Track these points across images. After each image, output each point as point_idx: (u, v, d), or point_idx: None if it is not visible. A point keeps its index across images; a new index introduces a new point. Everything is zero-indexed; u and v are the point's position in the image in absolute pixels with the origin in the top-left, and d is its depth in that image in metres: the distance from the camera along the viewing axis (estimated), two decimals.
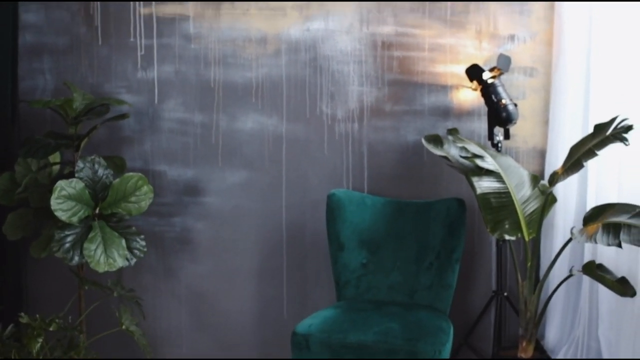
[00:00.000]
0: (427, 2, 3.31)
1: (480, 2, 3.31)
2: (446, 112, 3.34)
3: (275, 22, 3.28)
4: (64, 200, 2.54)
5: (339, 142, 3.35)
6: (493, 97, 3.09)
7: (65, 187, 2.54)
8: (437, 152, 2.94)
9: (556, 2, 3.31)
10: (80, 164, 2.61)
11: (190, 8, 3.27)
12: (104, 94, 3.24)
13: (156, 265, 3.30)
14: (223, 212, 3.37)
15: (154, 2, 3.27)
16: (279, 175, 3.35)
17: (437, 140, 3.04)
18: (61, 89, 3.25)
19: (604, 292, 2.82)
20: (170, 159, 3.34)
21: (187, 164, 3.36)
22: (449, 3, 3.30)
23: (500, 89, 3.12)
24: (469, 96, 3.33)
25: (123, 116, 2.87)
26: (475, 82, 3.16)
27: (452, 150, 3.00)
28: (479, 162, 2.69)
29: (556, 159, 3.29)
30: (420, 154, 3.34)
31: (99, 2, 3.25)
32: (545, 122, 3.35)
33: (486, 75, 3.11)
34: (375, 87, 3.31)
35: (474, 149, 2.76)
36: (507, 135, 3.19)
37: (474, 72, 3.14)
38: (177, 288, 3.42)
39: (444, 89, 3.32)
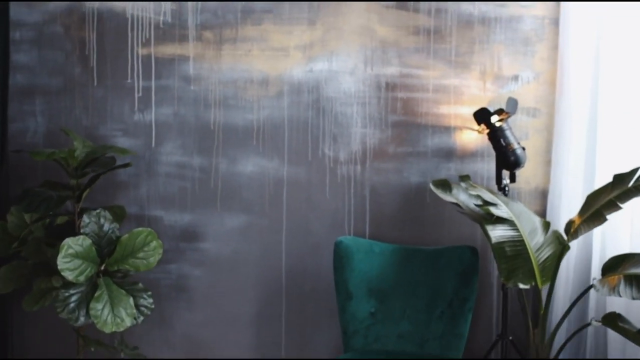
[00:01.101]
0: (432, 44, 3.51)
1: (485, 43, 3.54)
2: (449, 153, 3.56)
3: (278, 63, 3.48)
4: (71, 259, 2.70)
5: (340, 184, 3.56)
6: (502, 141, 3.33)
7: (72, 245, 2.70)
8: (447, 198, 3.17)
9: (560, 42, 3.56)
10: (85, 219, 2.78)
11: (190, 49, 3.46)
12: (99, 137, 3.40)
13: (151, 314, 3.43)
14: (221, 258, 3.55)
15: (152, 43, 3.44)
16: (279, 219, 3.55)
17: (445, 185, 3.27)
18: (54, 132, 3.40)
19: (614, 340, 3.08)
20: (167, 204, 3.51)
21: (184, 209, 3.54)
22: (453, 43, 3.53)
23: (508, 133, 3.37)
24: (472, 137, 3.57)
25: (125, 165, 3.04)
26: (482, 125, 3.39)
27: (461, 196, 3.24)
28: (493, 210, 2.94)
29: (559, 200, 3.53)
30: (423, 197, 3.56)
31: (95, 42, 3.40)
32: (548, 163, 3.59)
33: (494, 119, 3.36)
34: (378, 128, 3.53)
35: (487, 196, 3.00)
36: (513, 179, 3.43)
37: (482, 116, 3.38)
38: (172, 337, 3.59)
39: (448, 130, 3.55)
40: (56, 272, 2.80)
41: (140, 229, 2.79)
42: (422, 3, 3.49)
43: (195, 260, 3.48)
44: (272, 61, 3.46)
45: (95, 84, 3.41)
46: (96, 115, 3.41)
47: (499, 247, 2.93)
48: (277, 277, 3.53)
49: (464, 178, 3.20)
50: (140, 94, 3.42)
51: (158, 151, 3.41)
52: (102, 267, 2.79)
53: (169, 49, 3.43)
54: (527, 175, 3.56)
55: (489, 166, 3.54)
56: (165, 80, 3.43)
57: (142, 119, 3.43)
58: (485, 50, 3.53)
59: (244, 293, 3.52)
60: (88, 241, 2.68)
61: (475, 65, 3.52)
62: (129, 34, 3.39)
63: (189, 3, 3.40)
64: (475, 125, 3.45)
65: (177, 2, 3.42)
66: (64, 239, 3.05)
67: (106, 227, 2.80)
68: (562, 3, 3.52)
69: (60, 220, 3.13)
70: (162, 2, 3.42)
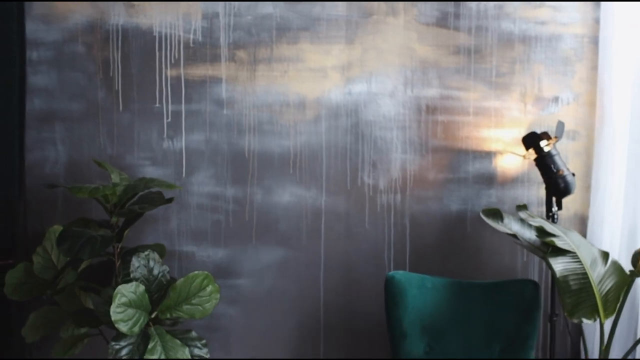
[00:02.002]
0: (472, 64, 3.61)
1: (525, 63, 3.66)
2: (490, 179, 3.69)
3: (315, 84, 3.52)
4: (125, 308, 2.69)
5: (380, 214, 3.63)
6: (552, 167, 3.45)
7: (125, 293, 2.69)
8: (500, 228, 3.26)
9: (600, 62, 3.71)
10: (135, 262, 2.77)
11: (222, 69, 3.46)
12: (126, 167, 3.37)
13: None
14: (256, 295, 3.57)
15: (182, 63, 3.42)
16: (317, 252, 3.59)
17: (497, 215, 3.39)
18: (76, 163, 3.35)
19: None
20: (200, 238, 3.51)
21: (217, 244, 3.54)
22: (494, 63, 3.64)
23: (557, 158, 3.49)
24: (512, 163, 3.69)
25: (168, 201, 3.02)
26: (530, 150, 3.51)
27: (514, 226, 3.36)
28: (556, 241, 3.07)
29: (600, 227, 3.69)
30: (463, 226, 3.67)
31: (119, 62, 3.36)
32: (587, 188, 3.76)
33: (544, 144, 3.48)
34: (419, 154, 3.61)
35: (549, 227, 3.13)
36: (560, 206, 3.56)
37: (531, 140, 3.50)
38: None
39: (488, 155, 3.66)
40: (95, 321, 2.78)
41: (196, 272, 2.79)
42: (462, 21, 3.56)
43: (229, 298, 3.49)
44: (309, 83, 3.49)
45: (121, 108, 3.37)
46: (122, 143, 3.37)
47: (564, 281, 3.06)
48: (315, 315, 3.59)
49: (521, 207, 3.33)
50: (170, 119, 3.39)
51: (189, 181, 3.41)
52: (153, 315, 2.77)
53: (200, 70, 3.42)
54: (565, 201, 3.70)
55: (529, 192, 3.68)
56: (196, 104, 3.41)
57: (171, 146, 3.41)
58: (525, 71, 3.66)
59: (281, 333, 3.57)
60: (141, 288, 2.68)
61: (515, 87, 3.65)
62: (157, 54, 3.36)
63: (221, 20, 3.39)
64: (518, 150, 3.61)
65: (208, 20, 3.40)
66: (100, 282, 3.03)
67: (156, 270, 2.79)
68: (601, 21, 3.67)
69: (91, 261, 3.09)
70: (193, 20, 3.38)
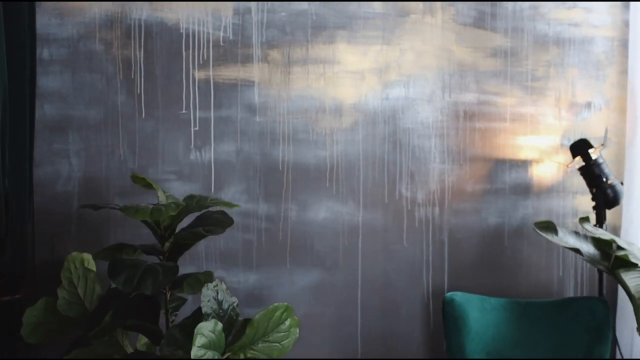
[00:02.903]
0: (508, 67, 3.74)
1: (560, 66, 3.83)
2: (527, 189, 4.04)
3: (352, 89, 3.67)
4: (205, 351, 2.70)
5: (419, 230, 3.73)
6: (601, 175, 3.61)
7: (205, 333, 2.66)
8: (558, 241, 3.47)
9: (630, 66, 4.04)
10: (206, 294, 2.71)
11: (255, 71, 3.48)
12: None
13: None
14: None
15: (211, 64, 3.35)
16: (354, 273, 3.67)
17: (550, 228, 3.58)
18: (92, 178, 3.32)
19: None
20: (230, 261, 3.52)
21: (249, 267, 3.53)
22: (529, 67, 3.80)
23: (604, 166, 3.71)
24: (548, 172, 3.89)
25: (229, 223, 2.94)
26: (578, 159, 3.65)
27: (569, 239, 3.53)
28: (631, 257, 3.21)
29: (635, 238, 3.91)
30: (501, 240, 3.89)
31: (142, 63, 3.28)
32: None
33: (591, 151, 3.63)
34: (457, 164, 3.77)
35: (620, 241, 3.27)
36: (604, 217, 3.74)
37: (580, 148, 3.68)
38: None
39: (524, 164, 3.93)
40: None
41: (276, 304, 2.80)
42: (499, 21, 3.71)
43: None
44: (346, 87, 3.58)
45: (143, 115, 3.37)
46: (144, 154, 3.37)
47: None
48: (353, 342, 3.65)
49: (584, 220, 3.48)
50: (197, 128, 3.38)
51: (219, 197, 3.33)
52: (225, 357, 2.71)
53: (231, 72, 3.43)
54: (585, 210, 4.03)
55: (564, 203, 3.98)
56: (226, 110, 3.41)
57: (199, 158, 3.37)
58: (560, 75, 3.95)
59: None
60: (220, 326, 2.67)
61: (550, 91, 3.92)
62: (183, 53, 3.34)
63: (253, 17, 3.37)
64: (556, 158, 3.97)
65: (239, 16, 3.38)
66: (142, 318, 2.93)
67: (226, 303, 2.77)
68: (631, 23, 4.13)
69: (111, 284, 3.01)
70: (223, 16, 3.34)
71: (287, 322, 2.96)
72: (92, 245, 3.39)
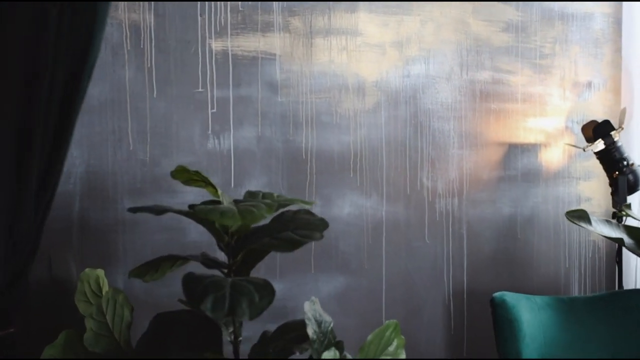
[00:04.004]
0: (519, 43, 3.55)
1: (564, 43, 3.67)
2: (536, 176, 3.91)
3: (374, 64, 3.38)
4: None
5: (439, 224, 3.47)
6: (623, 159, 3.48)
7: None
8: (593, 231, 3.36)
9: (623, 44, 3.98)
10: (308, 309, 2.27)
11: (276, 42, 3.01)
12: (160, 178, 2.72)
13: None
14: None
15: (229, 32, 2.86)
16: (378, 276, 3.37)
17: (583, 217, 3.39)
18: (96, 173, 2.70)
19: None
20: (252, 270, 2.95)
21: (272, 275, 3.11)
22: (538, 43, 3.63)
23: (623, 149, 3.54)
24: (554, 156, 3.72)
25: (324, 226, 2.47)
26: (599, 142, 3.51)
27: (603, 228, 3.36)
28: None
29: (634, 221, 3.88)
30: (514, 232, 3.72)
31: (152, 29, 2.75)
32: None
33: (614, 133, 3.50)
34: (474, 149, 3.57)
35: None
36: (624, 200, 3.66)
37: (604, 130, 3.52)
38: None
39: (534, 148, 3.76)
40: None
41: (387, 322, 2.36)
42: None
43: None
44: (368, 62, 3.25)
45: (155, 94, 2.77)
46: (157, 142, 2.83)
47: None
48: None
49: (626, 207, 3.30)
50: (215, 110, 2.89)
51: (239, 194, 2.89)
52: None
53: (250, 43, 2.98)
54: (598, 198, 3.84)
55: (569, 190, 3.84)
56: (246, 89, 2.93)
57: (217, 146, 2.88)
58: (564, 52, 3.81)
59: None
60: (337, 354, 2.22)
61: (556, 70, 3.77)
62: (199, 19, 2.82)
63: None
64: (561, 140, 3.83)
65: None
66: (201, 349, 2.47)
67: (325, 324, 2.31)
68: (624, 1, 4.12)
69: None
70: None
71: (395, 342, 2.51)
72: (99, 259, 2.78)
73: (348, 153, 3.34)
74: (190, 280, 2.31)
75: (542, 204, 3.83)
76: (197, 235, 2.98)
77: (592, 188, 3.96)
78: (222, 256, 2.62)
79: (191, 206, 2.51)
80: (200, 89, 3.00)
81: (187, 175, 2.57)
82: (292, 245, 2.36)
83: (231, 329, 2.61)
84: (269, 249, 2.37)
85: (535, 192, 3.82)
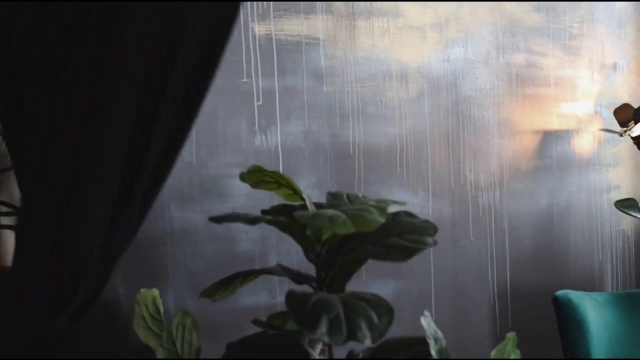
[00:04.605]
0: (550, 23, 3.40)
1: (590, 22, 3.55)
2: (570, 164, 3.85)
3: (415, 48, 3.17)
4: None
5: (483, 220, 3.28)
6: None
7: None
8: None
9: None
10: (428, 328, 2.04)
11: (319, 26, 2.73)
12: (209, 179, 2.45)
13: None
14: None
15: (272, 15, 2.59)
16: (427, 279, 3.17)
17: (632, 206, 3.25)
18: None
19: None
20: (303, 277, 2.69)
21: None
22: (567, 22, 3.50)
23: None
24: (585, 142, 3.59)
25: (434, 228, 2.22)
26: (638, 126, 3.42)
27: None
28: None
29: None
30: (551, 225, 3.59)
31: None
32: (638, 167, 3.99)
33: None
34: (511, 137, 3.40)
35: None
36: None
37: None
38: None
39: (567, 134, 3.60)
40: None
41: (508, 335, 2.11)
42: None
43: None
44: (410, 47, 3.04)
45: None
46: (203, 141, 2.47)
47: None
48: None
49: None
50: (261, 102, 2.59)
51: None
52: None
53: (294, 26, 2.71)
54: (626, 185, 3.72)
55: (599, 177, 3.73)
56: (291, 78, 2.67)
57: (264, 143, 2.60)
58: (591, 32, 3.69)
59: None
60: None
61: (584, 51, 3.63)
62: None
63: None
64: (591, 125, 3.69)
65: None
66: None
67: (440, 341, 2.07)
68: None
69: None
70: None
71: (512, 357, 2.26)
72: (146, 275, 2.44)
73: (394, 147, 3.11)
74: (294, 299, 2.01)
75: (576, 193, 3.68)
76: (249, 244, 2.70)
77: (620, 175, 3.83)
78: (295, 265, 2.35)
79: (265, 211, 2.23)
80: (245, 79, 2.69)
81: (258, 176, 2.28)
82: (404, 253, 2.07)
83: (317, 351, 2.33)
84: (376, 258, 2.09)
85: (569, 181, 3.67)
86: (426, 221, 2.21)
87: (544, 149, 3.59)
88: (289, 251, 2.81)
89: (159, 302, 2.37)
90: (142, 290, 2.29)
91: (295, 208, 2.37)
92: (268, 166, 2.70)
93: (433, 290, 3.23)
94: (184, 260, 2.53)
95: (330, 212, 2.02)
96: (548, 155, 3.59)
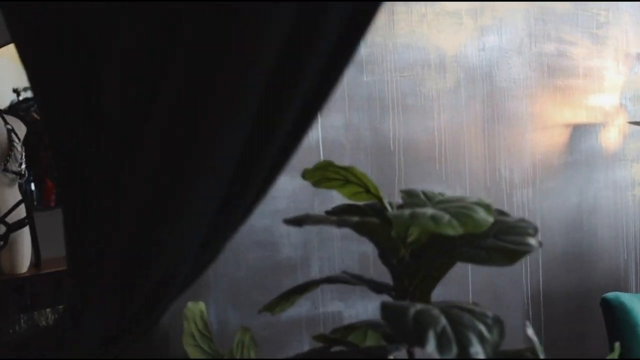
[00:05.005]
0: (578, 10, 3.27)
1: (615, 10, 3.45)
2: (597, 159, 3.75)
3: (452, 36, 2.95)
4: None
5: None
6: None
7: None
8: None
9: None
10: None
11: None
12: None
13: None
14: None
15: None
16: (465, 283, 2.96)
17: None
18: None
19: None
20: (347, 287, 2.51)
21: (366, 291, 2.56)
22: (594, 10, 3.33)
23: None
24: (611, 136, 3.47)
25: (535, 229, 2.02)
26: None
27: None
28: None
29: None
30: (580, 222, 3.45)
31: None
32: None
33: None
34: (543, 131, 3.26)
35: None
36: None
37: None
38: None
39: (594, 128, 3.49)
40: None
41: (616, 345, 1.93)
42: None
43: None
44: (447, 33, 2.91)
45: None
46: None
47: None
48: None
49: None
50: None
51: (328, 196, 2.43)
52: None
53: None
54: (638, 178, 3.56)
55: (624, 173, 3.64)
56: None
57: (306, 138, 2.31)
58: (616, 21, 3.58)
59: None
60: None
61: (610, 40, 3.56)
62: None
63: None
64: (617, 119, 3.52)
65: None
66: None
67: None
68: None
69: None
70: None
71: None
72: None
73: (433, 141, 2.93)
74: (391, 312, 1.79)
75: (603, 189, 3.51)
76: (291, 251, 2.47)
77: None
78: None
79: (329, 212, 2.01)
80: None
81: (322, 173, 2.06)
82: (507, 256, 1.85)
83: None
84: (476, 262, 1.87)
85: (597, 177, 3.50)
86: (522, 220, 2.00)
87: (573, 144, 3.42)
88: (330, 256, 2.60)
89: (206, 316, 2.15)
90: (190, 303, 2.06)
91: (361, 208, 2.16)
92: (307, 164, 2.49)
93: (471, 296, 3.05)
94: (225, 269, 2.30)
95: (430, 211, 1.80)
96: (577, 150, 3.43)
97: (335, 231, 2.63)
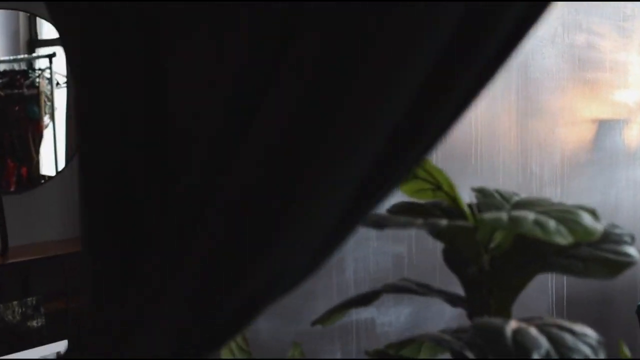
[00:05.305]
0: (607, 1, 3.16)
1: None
2: (620, 157, 3.61)
3: None
4: None
5: None
6: None
7: None
8: None
9: None
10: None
11: None
12: None
13: None
14: None
15: None
16: None
17: None
18: None
19: None
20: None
21: (400, 296, 2.40)
22: (621, 2, 3.21)
23: None
24: (633, 134, 3.36)
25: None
26: None
27: None
28: None
29: None
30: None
31: None
32: None
33: None
34: (572, 127, 3.06)
35: None
36: None
37: None
38: None
39: (617, 124, 3.34)
40: None
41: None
42: None
43: None
44: None
45: None
46: None
47: None
48: None
49: None
50: None
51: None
52: None
53: None
54: None
55: None
56: None
57: None
58: None
59: None
60: None
61: (636, 34, 3.38)
62: None
63: None
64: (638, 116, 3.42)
65: None
66: None
67: None
68: None
69: None
70: None
71: None
72: None
73: (469, 135, 2.78)
74: (487, 331, 1.58)
75: (625, 189, 3.38)
76: None
77: None
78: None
79: (390, 211, 1.80)
80: None
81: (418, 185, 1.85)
82: (609, 268, 1.65)
83: None
84: (573, 274, 1.67)
85: (619, 176, 3.36)
86: (614, 225, 1.81)
87: (598, 141, 3.28)
88: (365, 257, 2.40)
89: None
90: None
91: (425, 207, 1.94)
92: None
93: None
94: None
95: (532, 215, 1.59)
96: (601, 147, 3.28)
97: (371, 231, 2.42)
